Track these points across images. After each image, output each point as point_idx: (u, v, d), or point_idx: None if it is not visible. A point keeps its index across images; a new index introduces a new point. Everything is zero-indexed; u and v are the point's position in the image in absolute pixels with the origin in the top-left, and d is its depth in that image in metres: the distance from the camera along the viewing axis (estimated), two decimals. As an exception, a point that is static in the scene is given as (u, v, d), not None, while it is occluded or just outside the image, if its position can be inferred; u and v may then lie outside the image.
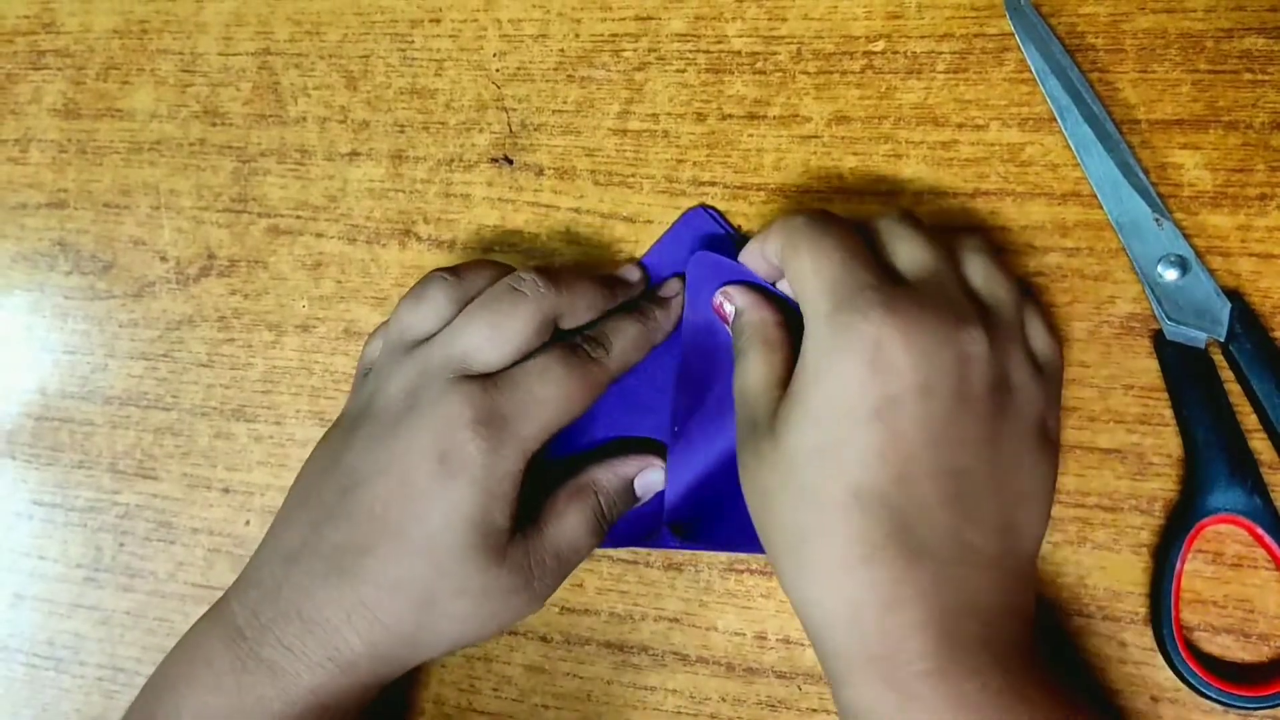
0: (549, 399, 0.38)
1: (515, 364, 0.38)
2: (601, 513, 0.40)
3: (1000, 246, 0.41)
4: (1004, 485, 0.34)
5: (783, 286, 0.40)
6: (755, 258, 0.39)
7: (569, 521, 0.39)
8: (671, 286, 0.43)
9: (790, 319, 0.39)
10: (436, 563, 0.36)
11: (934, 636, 0.32)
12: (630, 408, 0.43)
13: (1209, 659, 0.38)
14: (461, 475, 0.36)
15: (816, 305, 0.35)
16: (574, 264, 0.45)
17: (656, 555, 0.43)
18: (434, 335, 0.39)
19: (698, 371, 0.42)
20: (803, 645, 0.41)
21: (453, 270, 0.40)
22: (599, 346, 0.40)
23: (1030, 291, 0.40)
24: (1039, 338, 0.37)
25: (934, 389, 0.33)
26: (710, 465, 0.41)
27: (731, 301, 0.40)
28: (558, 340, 0.40)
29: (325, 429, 0.47)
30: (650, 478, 0.41)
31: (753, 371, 0.37)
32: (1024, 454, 0.35)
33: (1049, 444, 0.36)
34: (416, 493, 0.36)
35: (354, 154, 0.48)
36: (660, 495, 0.42)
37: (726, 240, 0.44)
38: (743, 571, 0.42)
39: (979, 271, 0.37)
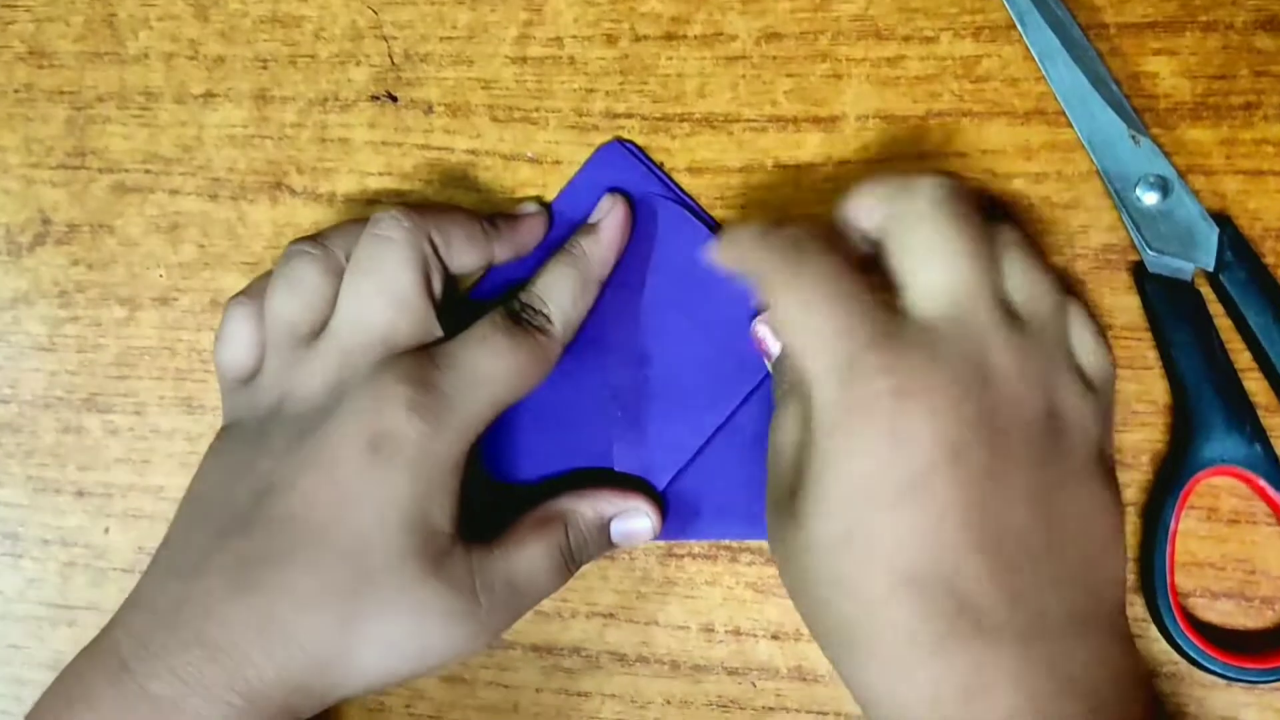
0: (494, 375, 0.33)
1: (450, 338, 0.34)
2: (568, 551, 0.35)
3: (958, 174, 0.36)
4: (1074, 535, 0.30)
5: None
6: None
7: (530, 552, 0.34)
8: (602, 208, 0.38)
9: None
10: (364, 569, 0.31)
11: None
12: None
13: (1208, 628, 0.34)
14: (397, 461, 0.32)
15: (813, 372, 0.30)
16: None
17: (584, 543, 0.38)
18: (330, 320, 0.34)
19: (624, 316, 0.38)
20: (755, 637, 0.37)
21: (313, 240, 0.36)
22: (538, 313, 0.35)
23: (1070, 289, 0.34)
24: (1087, 348, 0.32)
25: (965, 452, 0.28)
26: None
27: (770, 343, 0.35)
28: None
29: (195, 417, 0.41)
30: (632, 526, 0.36)
31: (788, 429, 0.32)
32: (1087, 492, 0.31)
33: (1109, 472, 0.32)
34: (344, 486, 0.32)
35: (209, 95, 0.41)
36: None
37: (649, 179, 0.38)
38: (684, 556, 0.37)
39: (1016, 276, 0.31)
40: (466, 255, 0.36)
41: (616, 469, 0.37)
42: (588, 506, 0.36)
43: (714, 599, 0.37)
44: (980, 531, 0.28)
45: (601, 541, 0.36)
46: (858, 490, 0.29)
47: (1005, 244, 0.32)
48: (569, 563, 0.35)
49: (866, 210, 0.32)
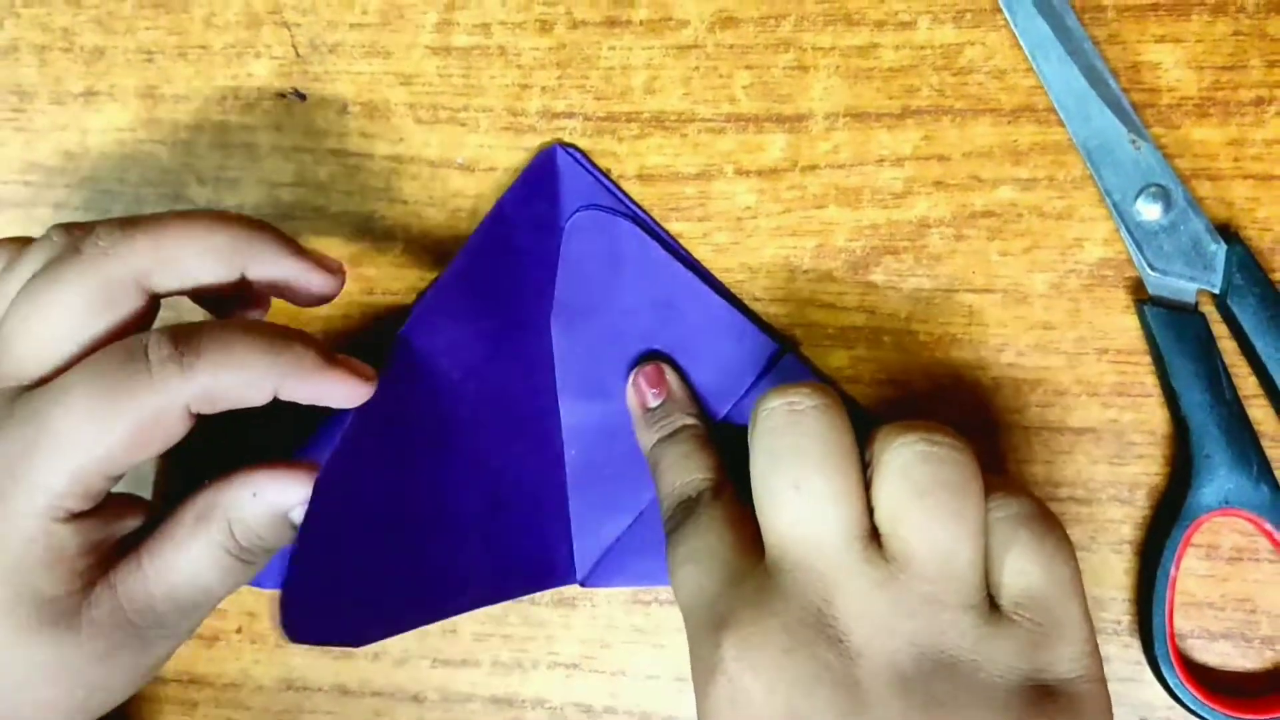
0: (71, 434, 0.26)
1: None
2: (238, 549, 0.29)
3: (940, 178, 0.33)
4: None
5: None
6: None
7: (189, 556, 0.28)
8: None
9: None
10: None
11: None
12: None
13: (1206, 672, 0.32)
14: None
15: (682, 612, 0.29)
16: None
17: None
18: None
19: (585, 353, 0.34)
20: (729, 688, 0.35)
21: None
22: (176, 349, 0.26)
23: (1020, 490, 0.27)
24: (1014, 571, 0.26)
25: (805, 713, 0.25)
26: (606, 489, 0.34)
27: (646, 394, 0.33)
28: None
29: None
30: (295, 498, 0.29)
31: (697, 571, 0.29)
32: None
33: (1047, 700, 0.25)
34: None
35: (90, 94, 0.36)
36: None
37: (595, 190, 0.34)
38: (650, 603, 0.35)
39: (890, 506, 0.26)
40: (197, 277, 0.29)
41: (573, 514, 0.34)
42: (250, 497, 0.29)
43: (686, 647, 0.35)
44: None
45: (278, 533, 0.30)
46: None
47: (893, 447, 0.26)
48: (245, 564, 0.29)
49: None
